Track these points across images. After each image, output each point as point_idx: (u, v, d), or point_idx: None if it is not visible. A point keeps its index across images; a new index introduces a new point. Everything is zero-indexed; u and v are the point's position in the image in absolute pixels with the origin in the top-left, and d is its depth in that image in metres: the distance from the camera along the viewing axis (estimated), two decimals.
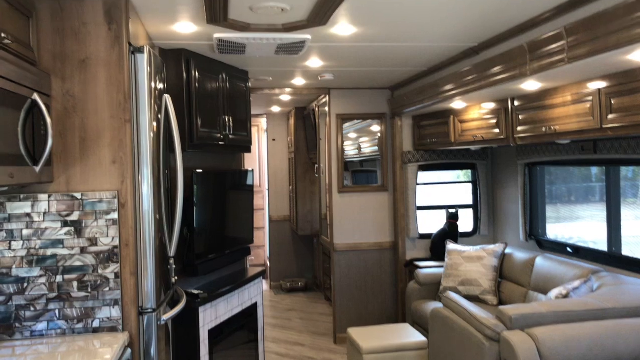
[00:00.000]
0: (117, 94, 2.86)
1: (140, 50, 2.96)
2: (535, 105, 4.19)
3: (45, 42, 2.82)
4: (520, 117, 4.40)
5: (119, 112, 2.86)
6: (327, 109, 6.50)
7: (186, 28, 3.56)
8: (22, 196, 2.78)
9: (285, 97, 6.93)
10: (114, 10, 2.87)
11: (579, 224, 5.06)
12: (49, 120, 2.54)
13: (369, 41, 4.02)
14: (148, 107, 2.96)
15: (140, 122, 2.95)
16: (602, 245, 4.52)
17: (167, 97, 3.37)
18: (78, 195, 2.82)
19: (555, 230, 5.30)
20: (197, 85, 4.26)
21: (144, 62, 2.96)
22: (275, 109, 8.53)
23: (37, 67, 2.75)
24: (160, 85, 3.31)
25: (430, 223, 6.47)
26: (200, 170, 4.41)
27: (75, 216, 2.83)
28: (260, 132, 9.88)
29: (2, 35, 2.33)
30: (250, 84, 5.19)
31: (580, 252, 4.73)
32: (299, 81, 5.87)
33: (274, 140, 9.18)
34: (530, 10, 3.26)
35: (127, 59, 2.90)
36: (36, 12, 2.80)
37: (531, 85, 3.87)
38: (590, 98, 3.58)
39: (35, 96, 2.50)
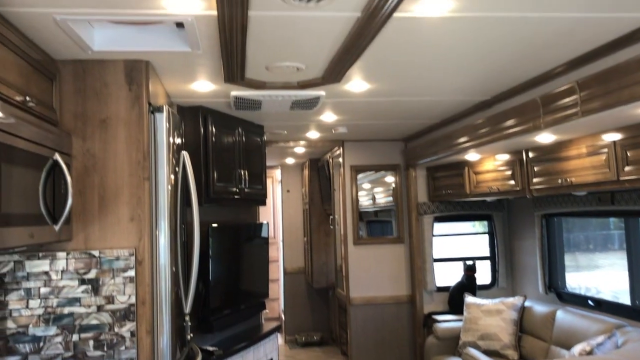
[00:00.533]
0: (136, 153, 2.91)
1: (159, 109, 3.03)
2: (550, 157, 4.19)
3: (67, 103, 2.90)
4: (536, 168, 4.39)
5: (138, 170, 2.91)
6: (341, 160, 6.55)
7: (204, 87, 3.64)
8: (40, 254, 2.80)
9: (300, 149, 6.99)
10: (135, 72, 2.95)
11: (599, 272, 4.96)
12: (69, 179, 2.58)
13: (382, 96, 4.08)
14: (166, 164, 3.00)
15: (158, 179, 2.99)
16: (624, 296, 4.42)
17: (184, 154, 3.42)
18: (96, 253, 2.84)
19: (574, 280, 5.19)
20: (213, 140, 4.33)
21: (162, 120, 3.02)
22: (290, 160, 8.60)
23: (58, 127, 2.82)
24: (178, 142, 3.37)
25: (448, 275, 6.38)
26: (216, 225, 4.42)
27: (92, 274, 2.83)
28: (274, 183, 9.93)
29: (27, 98, 2.41)
30: (265, 138, 5.26)
31: (602, 306, 4.63)
32: (313, 134, 5.93)
33: (288, 191, 9.21)
34: (542, 65, 3.30)
35: (147, 118, 2.96)
36: (59, 74, 2.89)
37: (545, 137, 3.89)
38: (605, 150, 3.57)
39: (57, 156, 2.55)
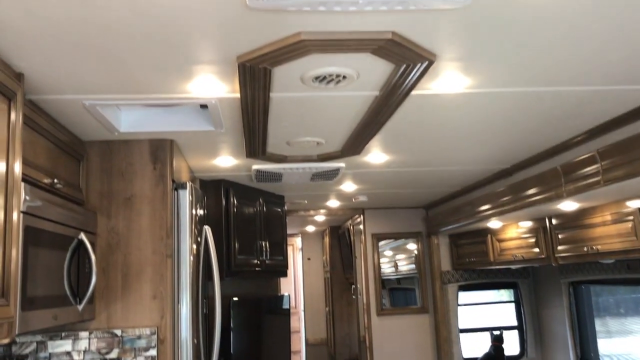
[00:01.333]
0: (160, 230, 2.94)
1: (182, 186, 3.08)
2: (574, 225, 4.13)
3: (93, 182, 2.97)
4: (560, 236, 4.32)
5: (161, 248, 2.93)
6: (361, 227, 6.53)
7: (226, 162, 3.71)
8: (63, 334, 2.79)
9: (320, 218, 7.00)
10: (160, 151, 3.03)
11: (632, 338, 4.77)
12: (93, 258, 2.61)
13: (401, 166, 4.11)
14: (189, 240, 3.03)
15: (180, 255, 3.01)
16: None
17: (207, 229, 3.44)
18: (118, 332, 2.82)
19: (606, 347, 4.99)
20: (235, 211, 4.37)
21: (186, 197, 3.07)
22: (310, 228, 8.60)
23: (84, 206, 2.88)
24: (201, 216, 3.40)
25: (475, 346, 6.18)
26: (237, 299, 4.39)
27: (114, 353, 2.81)
28: (295, 251, 9.89)
29: (55, 180, 2.47)
30: (286, 207, 5.28)
31: None
32: (333, 203, 5.95)
33: (309, 259, 9.16)
34: (562, 134, 3.32)
35: (170, 196, 3.01)
36: (87, 155, 2.97)
37: (568, 205, 3.85)
38: (631, 217, 3.51)
39: (82, 235, 2.59)
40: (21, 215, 2.01)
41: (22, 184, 2.04)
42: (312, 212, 6.39)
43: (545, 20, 1.84)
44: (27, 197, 2.08)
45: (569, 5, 1.73)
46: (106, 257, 2.90)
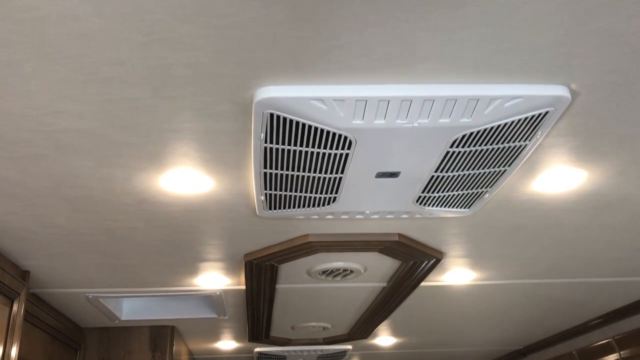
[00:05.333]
0: None
1: None
2: None
3: None
4: None
5: None
6: None
7: (228, 345, 3.58)
8: None
9: None
10: (160, 338, 2.93)
11: None
12: None
13: (411, 348, 3.95)
14: None
15: None
16: None
17: None
18: None
19: None
20: None
21: None
22: None
23: None
24: None
25: None
26: None
27: None
28: None
29: None
30: None
31: None
32: None
33: None
34: (575, 318, 3.22)
35: None
36: (85, 342, 2.87)
37: None
38: None
39: None
40: None
41: None
42: None
43: (550, 225, 1.86)
44: None
45: (572, 212, 1.76)
46: None
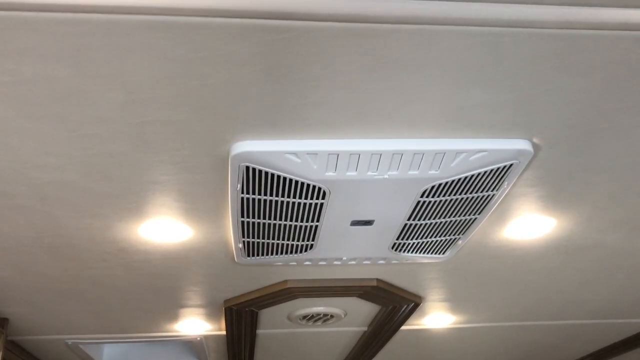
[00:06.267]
0: None
1: None
2: None
3: None
4: None
5: None
6: None
7: None
8: None
9: None
10: None
11: None
12: None
13: None
14: None
15: None
16: None
17: None
18: None
19: None
20: None
21: None
22: None
23: None
24: None
25: None
26: None
27: None
28: None
29: None
30: None
31: None
32: None
33: None
34: (562, 357, 3.24)
35: None
36: None
37: None
38: None
39: None
40: None
41: None
42: None
43: (523, 270, 1.90)
44: None
45: (545, 257, 1.81)
46: None
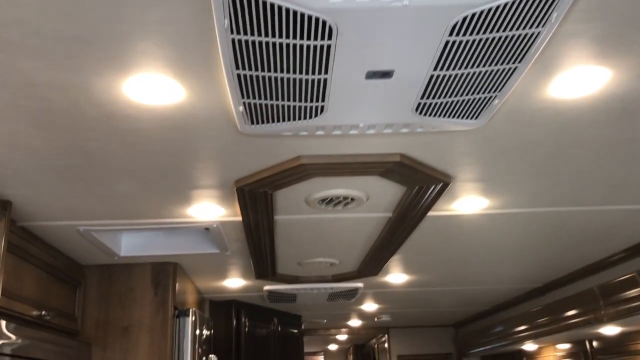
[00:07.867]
0: None
1: (185, 313, 2.86)
2: (617, 350, 3.73)
3: (90, 311, 2.77)
4: None
5: None
6: (386, 346, 6.11)
7: (236, 283, 3.50)
8: None
9: (342, 337, 6.61)
10: (162, 275, 2.84)
11: None
12: None
13: (424, 286, 3.84)
14: None
15: None
16: None
17: (212, 358, 3.17)
18: None
19: None
20: (247, 333, 4.09)
21: (188, 325, 2.84)
22: (333, 346, 8.15)
23: (78, 337, 2.66)
24: (205, 345, 3.14)
25: None
26: None
27: None
28: None
29: (44, 312, 2.28)
30: (303, 327, 4.97)
31: None
32: (355, 322, 5.61)
33: None
34: (598, 253, 3.05)
35: (171, 324, 2.78)
36: (85, 280, 2.80)
37: (610, 330, 3.48)
38: None
39: None
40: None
41: (3, 322, 1.85)
42: (333, 331, 6.03)
43: (569, 141, 1.67)
44: (11, 337, 1.88)
45: (595, 123, 1.57)
46: None
